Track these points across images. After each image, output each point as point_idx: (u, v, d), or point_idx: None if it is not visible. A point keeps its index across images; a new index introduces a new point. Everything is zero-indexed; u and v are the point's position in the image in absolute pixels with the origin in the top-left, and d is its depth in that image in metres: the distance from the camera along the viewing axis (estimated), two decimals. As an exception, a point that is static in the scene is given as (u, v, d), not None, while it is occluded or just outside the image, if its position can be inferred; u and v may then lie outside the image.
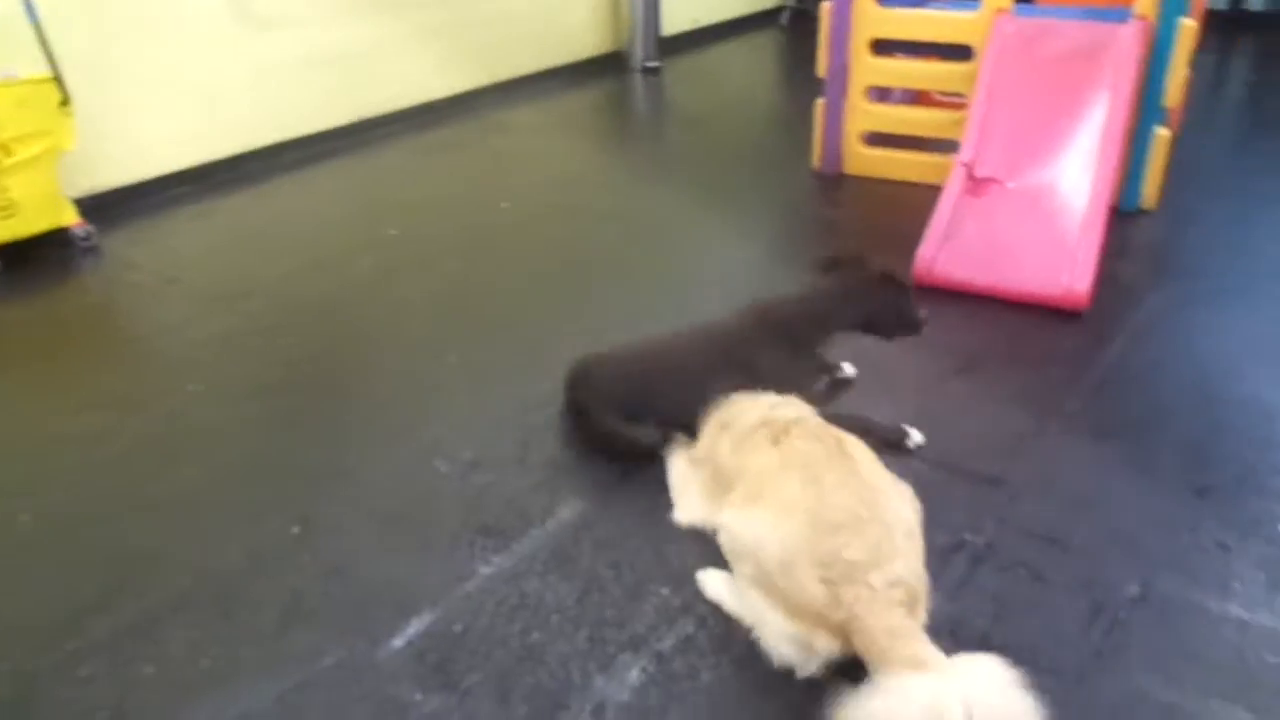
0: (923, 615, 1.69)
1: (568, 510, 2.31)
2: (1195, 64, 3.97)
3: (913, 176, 4.30)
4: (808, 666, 1.71)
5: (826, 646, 1.66)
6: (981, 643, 1.86)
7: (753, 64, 7.14)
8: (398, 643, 1.95)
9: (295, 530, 2.28)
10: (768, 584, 1.73)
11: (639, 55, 6.56)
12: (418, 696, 1.82)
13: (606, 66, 6.61)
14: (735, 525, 1.84)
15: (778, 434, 1.94)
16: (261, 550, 2.22)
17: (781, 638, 1.72)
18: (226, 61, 4.60)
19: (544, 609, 2.02)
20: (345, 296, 3.49)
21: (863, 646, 1.60)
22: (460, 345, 3.09)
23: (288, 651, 1.94)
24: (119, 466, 2.58)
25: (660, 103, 6.22)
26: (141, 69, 4.31)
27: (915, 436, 2.48)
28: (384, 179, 4.77)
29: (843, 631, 1.62)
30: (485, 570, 2.13)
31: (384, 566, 2.16)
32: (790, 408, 2.13)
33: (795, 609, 1.68)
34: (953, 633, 1.88)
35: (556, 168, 4.87)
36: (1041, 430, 2.57)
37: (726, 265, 3.66)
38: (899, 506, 1.80)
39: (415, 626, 1.98)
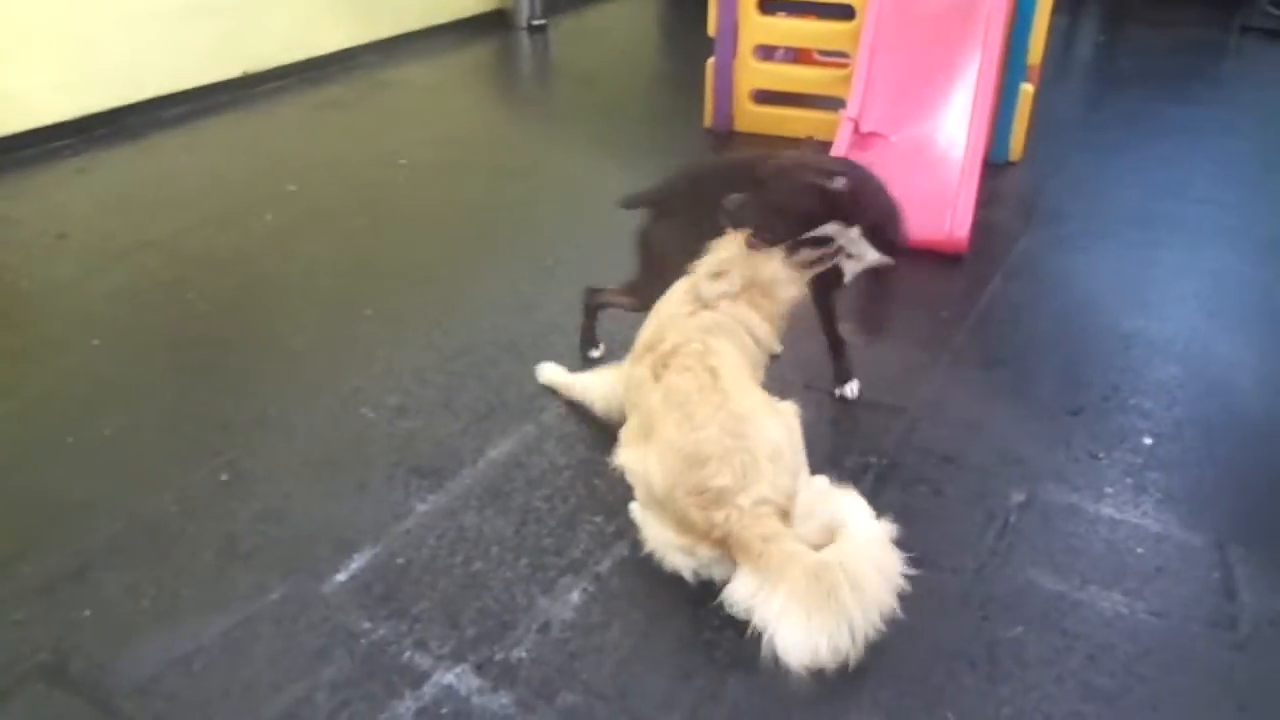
0: (792, 525, 1.89)
1: (497, 451, 2.39)
2: (1051, 25, 4.27)
3: (802, 133, 4.46)
4: (696, 571, 1.94)
5: (709, 555, 1.89)
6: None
7: (638, 23, 7.21)
8: (341, 577, 2.00)
9: (224, 477, 2.29)
10: (657, 509, 1.95)
11: (524, 12, 6.54)
12: (367, 624, 1.89)
13: (492, 24, 6.56)
14: (630, 464, 2.05)
15: (658, 369, 2.09)
16: (191, 496, 2.23)
17: (671, 549, 1.94)
18: (101, 9, 4.40)
19: (484, 541, 2.10)
20: (250, 251, 3.44)
21: (740, 555, 1.82)
22: (374, 299, 3.10)
23: (230, 590, 1.97)
24: (28, 419, 2.53)
25: (549, 61, 6.24)
26: (10, 15, 4.09)
27: (852, 389, 2.59)
28: (276, 135, 4.66)
29: (723, 544, 1.85)
30: (422, 508, 2.20)
31: (319, 508, 2.20)
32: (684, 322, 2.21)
33: (681, 528, 1.90)
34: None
35: (451, 125, 4.86)
36: (934, 363, 2.79)
37: (630, 220, 3.75)
38: (767, 431, 1.96)
39: (358, 562, 2.04)
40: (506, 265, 3.34)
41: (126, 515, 2.17)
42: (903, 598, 1.77)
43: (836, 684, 1.72)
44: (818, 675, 1.70)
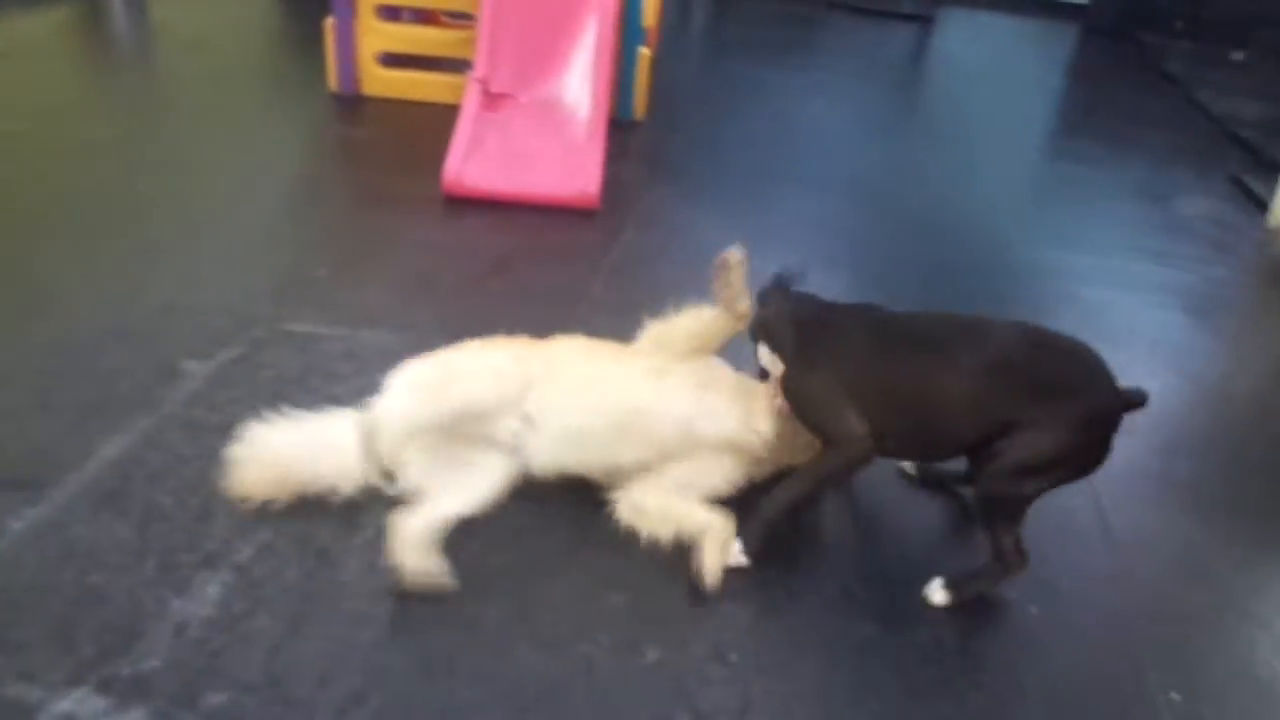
0: None
1: (109, 449, 2.14)
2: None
3: (432, 96, 4.41)
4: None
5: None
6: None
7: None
8: (-83, 618, 1.70)
9: None
10: None
11: (113, -30, 5.86)
12: (-45, 667, 1.62)
13: (74, -18, 5.82)
14: None
15: None
16: None
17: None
18: None
19: (99, 550, 1.87)
20: None
21: None
22: (-63, 294, 2.66)
23: None
24: None
25: (145, 24, 5.64)
26: None
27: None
28: None
29: None
30: (18, 525, 1.91)
31: (-119, 542, 1.85)
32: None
33: None
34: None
35: (28, 96, 4.25)
36: (571, 316, 2.86)
37: (250, 193, 3.51)
38: None
39: (-62, 597, 1.75)
40: (106, 247, 2.98)
41: None
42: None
43: (494, 636, 1.74)
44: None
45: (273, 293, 2.82)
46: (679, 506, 2.02)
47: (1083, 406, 1.83)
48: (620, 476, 2.09)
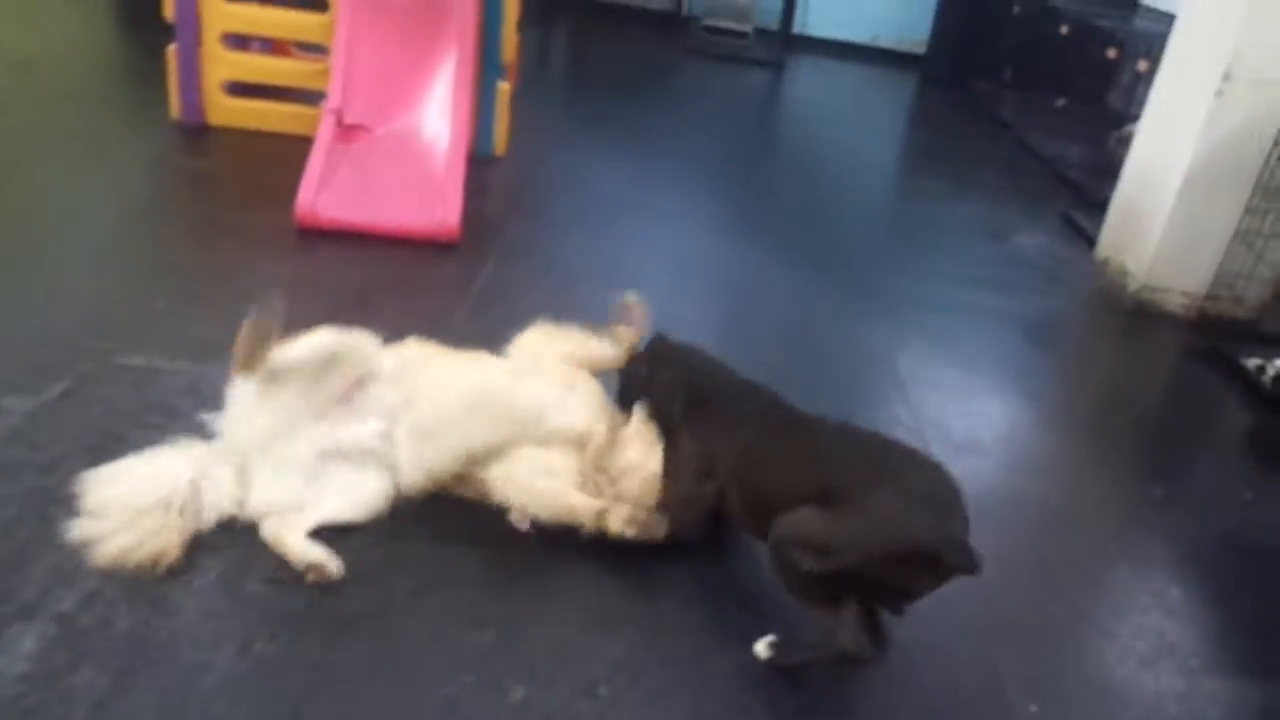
0: None
1: (-93, 495, 1.93)
2: (524, 36, 4.51)
3: (283, 127, 4.25)
4: None
5: None
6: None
7: (86, 2, 6.35)
8: None
9: None
10: None
11: (-71, -10, 5.46)
12: None
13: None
14: None
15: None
16: None
17: None
18: None
19: (-107, 605, 1.68)
20: None
21: None
22: None
23: None
24: None
25: (-34, 46, 5.26)
26: None
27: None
28: None
29: None
30: None
31: None
32: None
33: None
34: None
35: None
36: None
37: (81, 223, 3.28)
38: None
39: None
40: None
41: None
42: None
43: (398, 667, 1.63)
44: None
45: (103, 325, 2.63)
46: (549, 481, 2.01)
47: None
48: (476, 467, 2.07)
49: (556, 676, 1.76)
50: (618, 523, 1.99)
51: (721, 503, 2.01)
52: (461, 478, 2.10)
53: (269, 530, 1.92)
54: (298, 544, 1.88)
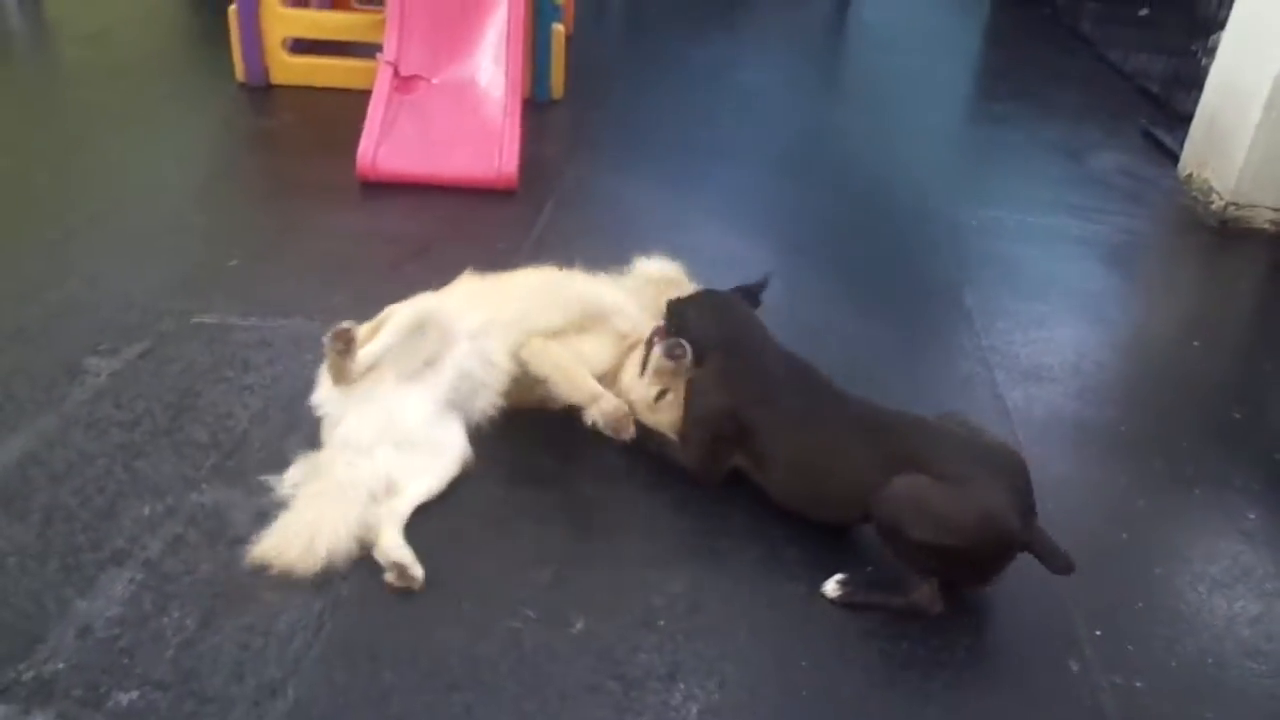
0: None
1: (6, 451, 2.05)
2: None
3: (343, 82, 4.30)
4: None
5: None
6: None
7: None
8: None
9: None
10: None
11: (2, -35, 5.62)
12: None
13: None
14: None
15: None
16: None
17: None
18: None
19: (-3, 555, 1.80)
20: None
21: None
22: None
23: None
24: None
25: (41, 18, 5.42)
26: None
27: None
28: None
29: None
30: (-90, 534, 1.83)
31: None
32: None
33: None
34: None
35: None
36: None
37: (156, 186, 3.40)
38: None
39: None
40: (31, 259, 2.85)
41: None
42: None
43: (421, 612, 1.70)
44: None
45: (181, 285, 2.73)
46: (579, 368, 2.15)
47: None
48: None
49: (617, 609, 1.81)
50: (593, 414, 2.08)
51: (751, 471, 2.05)
52: (530, 387, 2.20)
53: (371, 518, 1.90)
54: (391, 541, 1.85)
